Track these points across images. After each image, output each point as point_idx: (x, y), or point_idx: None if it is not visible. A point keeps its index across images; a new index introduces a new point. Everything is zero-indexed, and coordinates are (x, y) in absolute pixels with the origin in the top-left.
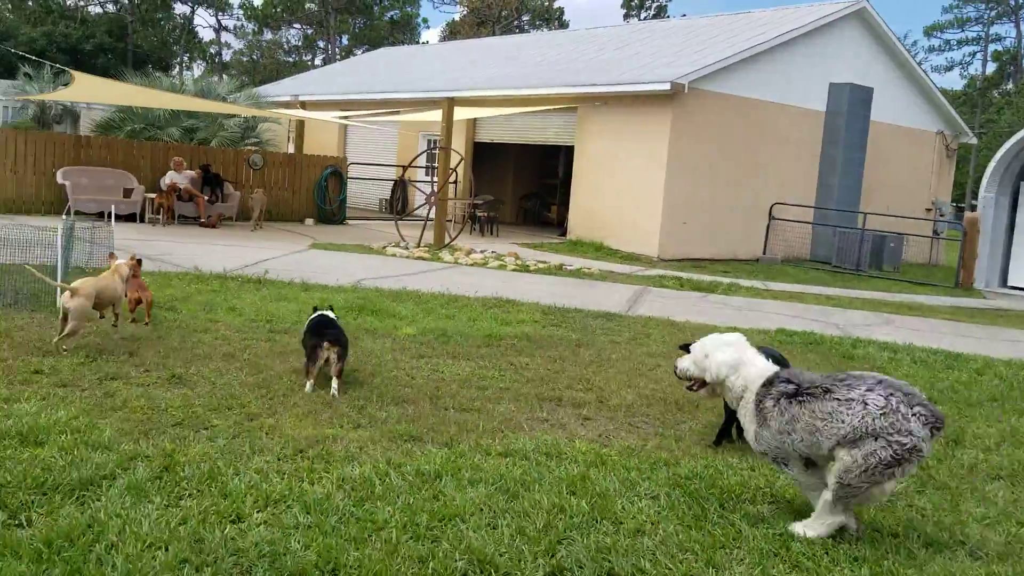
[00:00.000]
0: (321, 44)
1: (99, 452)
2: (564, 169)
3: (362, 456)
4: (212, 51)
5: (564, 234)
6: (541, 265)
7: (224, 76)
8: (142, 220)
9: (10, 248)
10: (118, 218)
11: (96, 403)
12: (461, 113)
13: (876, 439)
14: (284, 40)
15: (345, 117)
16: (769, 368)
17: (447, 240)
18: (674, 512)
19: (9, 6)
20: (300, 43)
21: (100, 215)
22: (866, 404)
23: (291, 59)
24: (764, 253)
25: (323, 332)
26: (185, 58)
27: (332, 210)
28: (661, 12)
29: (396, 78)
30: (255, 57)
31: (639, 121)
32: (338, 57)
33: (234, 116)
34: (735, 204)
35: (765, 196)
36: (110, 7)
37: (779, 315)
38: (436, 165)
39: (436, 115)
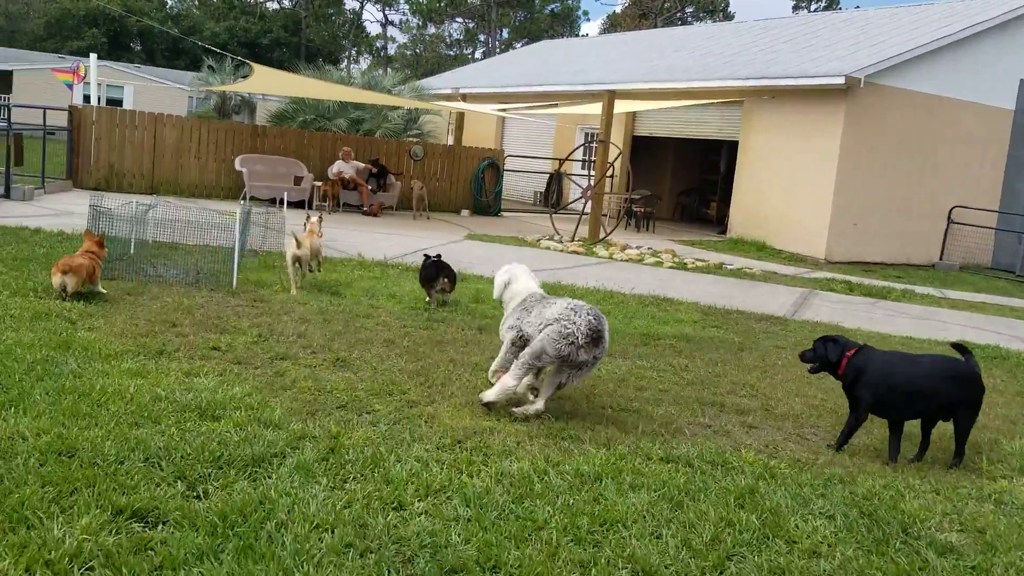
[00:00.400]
0: (482, 38)
1: (270, 430)
2: (725, 165)
3: (519, 451)
4: (378, 45)
5: (724, 232)
6: (699, 263)
7: (389, 69)
8: (310, 207)
9: (193, 230)
10: (288, 204)
11: (267, 381)
12: (621, 106)
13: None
14: (446, 34)
15: (503, 110)
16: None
17: (602, 235)
18: (853, 534)
19: (196, 2)
20: (462, 37)
21: (272, 201)
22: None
23: (452, 52)
24: (940, 259)
25: (439, 269)
26: (353, 52)
27: (488, 202)
28: (833, 4)
29: (555, 71)
30: (418, 51)
31: (810, 116)
32: (498, 50)
33: (398, 108)
34: (910, 206)
35: (943, 198)
36: (286, 3)
37: (959, 326)
38: (593, 159)
39: (594, 108)
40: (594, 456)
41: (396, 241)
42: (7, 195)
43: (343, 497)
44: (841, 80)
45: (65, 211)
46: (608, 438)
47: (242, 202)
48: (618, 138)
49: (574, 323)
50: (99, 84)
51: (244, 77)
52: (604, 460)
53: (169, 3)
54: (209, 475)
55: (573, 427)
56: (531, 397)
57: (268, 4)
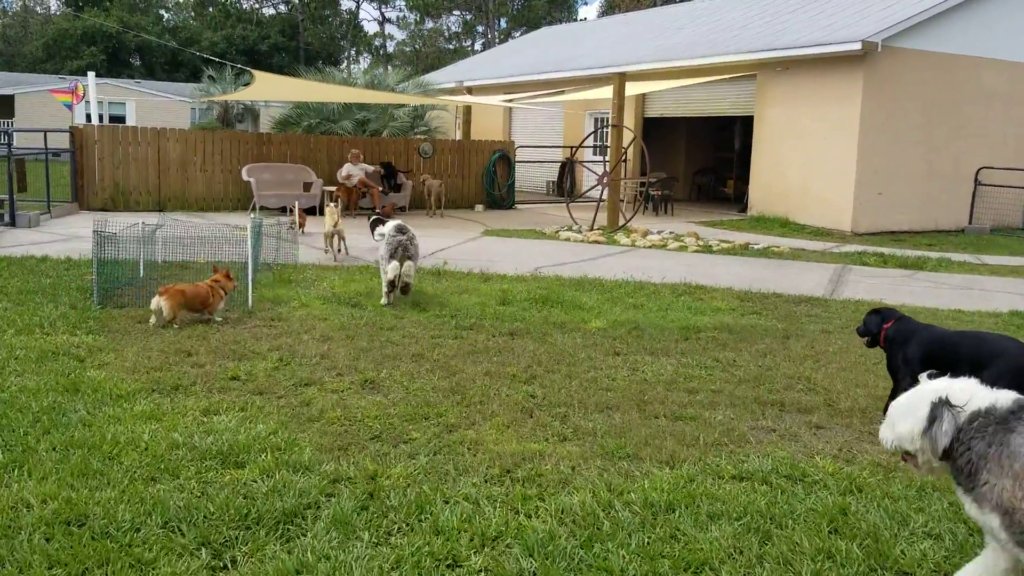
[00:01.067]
0: (480, 29)
1: (301, 474)
2: (740, 141)
3: (576, 479)
4: (376, 44)
5: (744, 210)
6: (724, 245)
7: (390, 67)
8: (321, 213)
9: (204, 246)
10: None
11: (293, 413)
12: (631, 88)
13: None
14: (445, 27)
15: (510, 100)
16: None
17: (621, 222)
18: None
19: (192, 14)
20: (460, 29)
21: (282, 210)
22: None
23: (451, 46)
24: (970, 222)
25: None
26: (352, 52)
27: (501, 195)
28: None
29: (560, 57)
30: (417, 46)
31: (826, 85)
32: (497, 40)
33: (403, 106)
34: (935, 170)
35: (969, 160)
36: (282, 8)
37: (1005, 294)
38: (606, 144)
39: (603, 92)
40: (660, 480)
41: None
42: (12, 223)
43: (390, 556)
44: (858, 46)
45: (72, 235)
46: (670, 454)
47: (251, 215)
48: (629, 121)
49: (388, 229)
50: (100, 102)
51: (246, 85)
52: (672, 484)
53: (166, 16)
54: (236, 538)
55: (629, 443)
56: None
57: (264, 10)
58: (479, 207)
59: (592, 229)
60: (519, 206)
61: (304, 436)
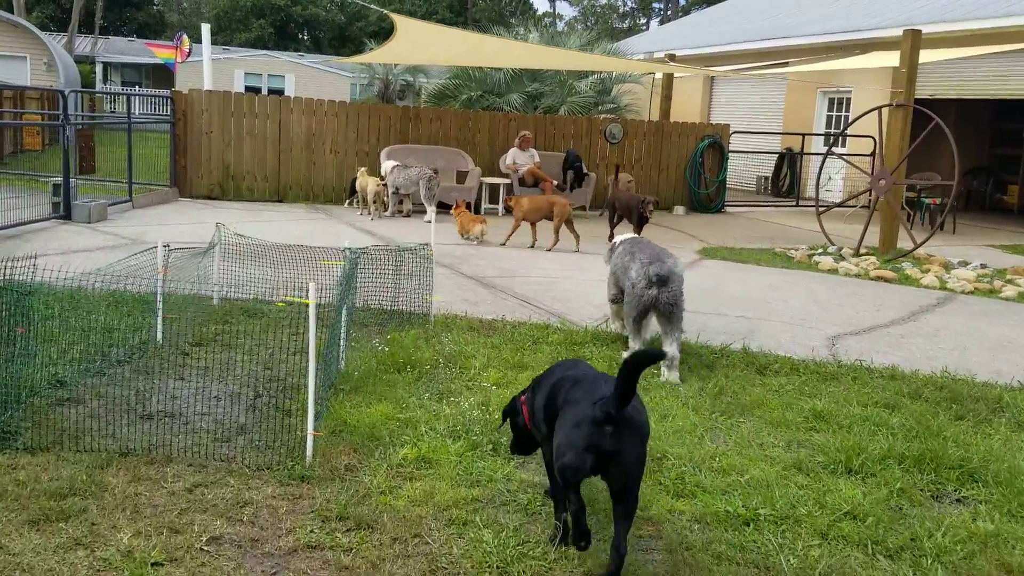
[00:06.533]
0: (657, 6)
1: None
2: None
3: None
4: (547, 22)
5: None
6: None
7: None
8: (477, 211)
9: (289, 271)
10: (446, 208)
11: None
12: (882, 59)
13: None
14: (619, 3)
15: (734, 70)
16: None
17: (907, 245)
18: None
19: None
20: (636, 5)
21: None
22: None
23: (625, 24)
24: None
25: None
26: (520, 31)
27: (709, 195)
28: None
29: (782, 20)
30: (589, 24)
31: None
32: (680, 15)
33: (586, 76)
34: None
35: None
36: None
37: None
38: (839, 132)
39: (842, 64)
40: None
41: (602, 271)
42: (68, 216)
43: None
44: None
45: (135, 237)
46: None
47: (348, 247)
48: (885, 100)
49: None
50: (259, 75)
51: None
52: None
53: None
54: None
55: None
56: None
57: None
58: (679, 209)
59: (858, 253)
60: (727, 209)
61: None
